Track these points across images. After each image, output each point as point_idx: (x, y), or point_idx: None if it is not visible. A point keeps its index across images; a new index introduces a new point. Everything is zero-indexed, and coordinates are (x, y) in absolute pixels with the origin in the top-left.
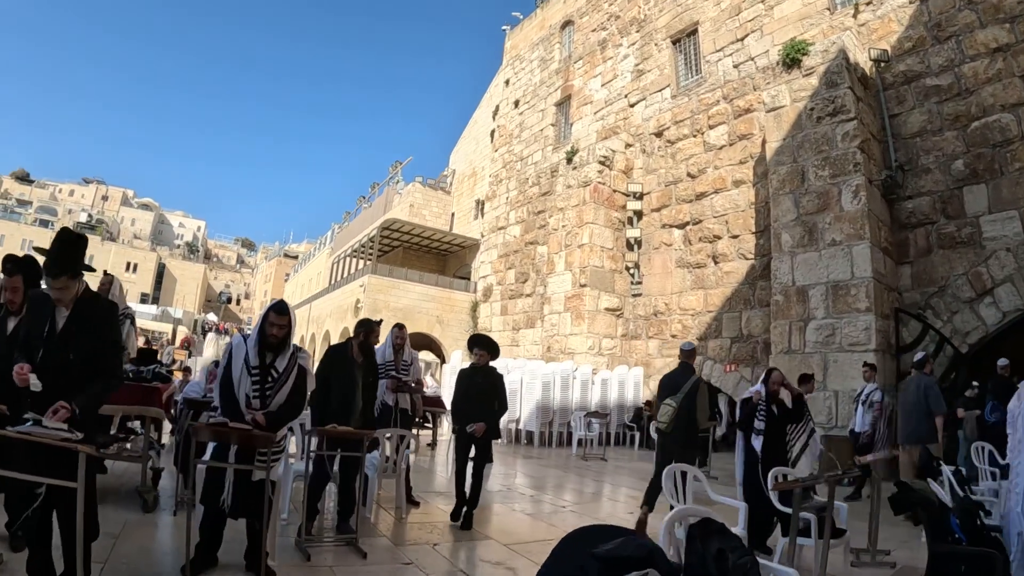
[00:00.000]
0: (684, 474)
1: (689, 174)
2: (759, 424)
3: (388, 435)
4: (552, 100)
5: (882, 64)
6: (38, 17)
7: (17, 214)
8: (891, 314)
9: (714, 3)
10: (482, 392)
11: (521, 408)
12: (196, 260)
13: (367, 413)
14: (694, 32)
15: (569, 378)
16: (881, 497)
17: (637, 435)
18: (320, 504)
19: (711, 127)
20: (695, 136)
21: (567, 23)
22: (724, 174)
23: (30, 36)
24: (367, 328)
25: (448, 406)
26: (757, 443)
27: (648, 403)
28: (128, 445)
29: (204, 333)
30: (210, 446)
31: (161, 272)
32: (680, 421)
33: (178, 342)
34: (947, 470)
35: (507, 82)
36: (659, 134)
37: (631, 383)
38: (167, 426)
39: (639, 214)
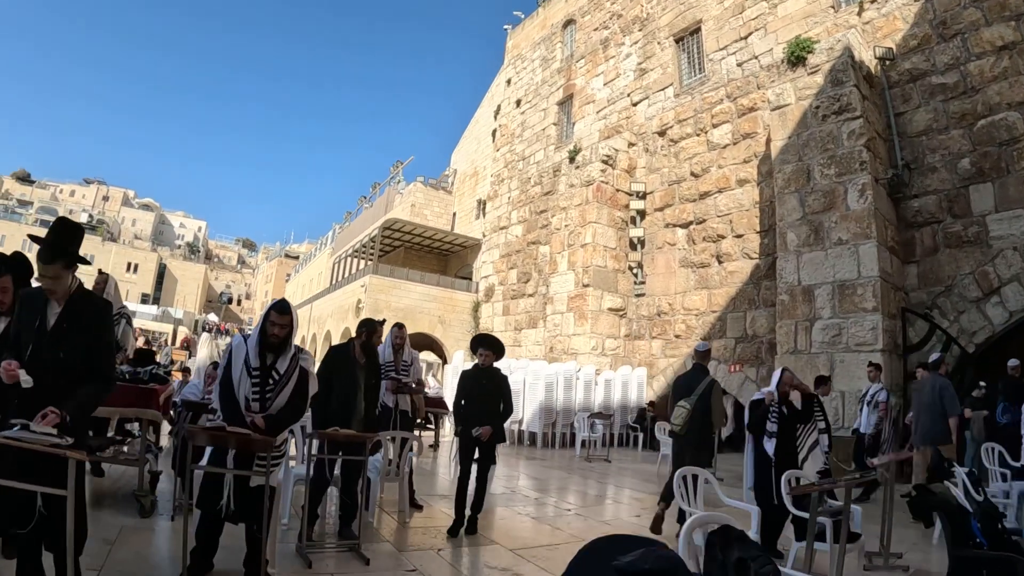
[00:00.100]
0: (695, 477)
1: (693, 173)
2: (771, 427)
3: (391, 437)
4: (554, 99)
5: (887, 62)
6: (39, 21)
7: (18, 214)
8: (898, 314)
9: (717, 1)
10: (487, 395)
11: (524, 409)
12: (197, 260)
13: (369, 415)
14: (697, 30)
15: (572, 379)
16: (894, 499)
17: (640, 436)
18: (321, 508)
19: (715, 126)
20: (698, 135)
21: (569, 22)
22: (728, 173)
23: (31, 39)
24: (370, 328)
25: (450, 407)
26: (769, 446)
27: (651, 403)
28: (125, 448)
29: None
30: (208, 450)
31: (162, 272)
32: (694, 423)
33: (178, 342)
34: (961, 472)
35: (509, 81)
36: (662, 133)
37: (634, 384)
38: (166, 428)
39: (642, 213)
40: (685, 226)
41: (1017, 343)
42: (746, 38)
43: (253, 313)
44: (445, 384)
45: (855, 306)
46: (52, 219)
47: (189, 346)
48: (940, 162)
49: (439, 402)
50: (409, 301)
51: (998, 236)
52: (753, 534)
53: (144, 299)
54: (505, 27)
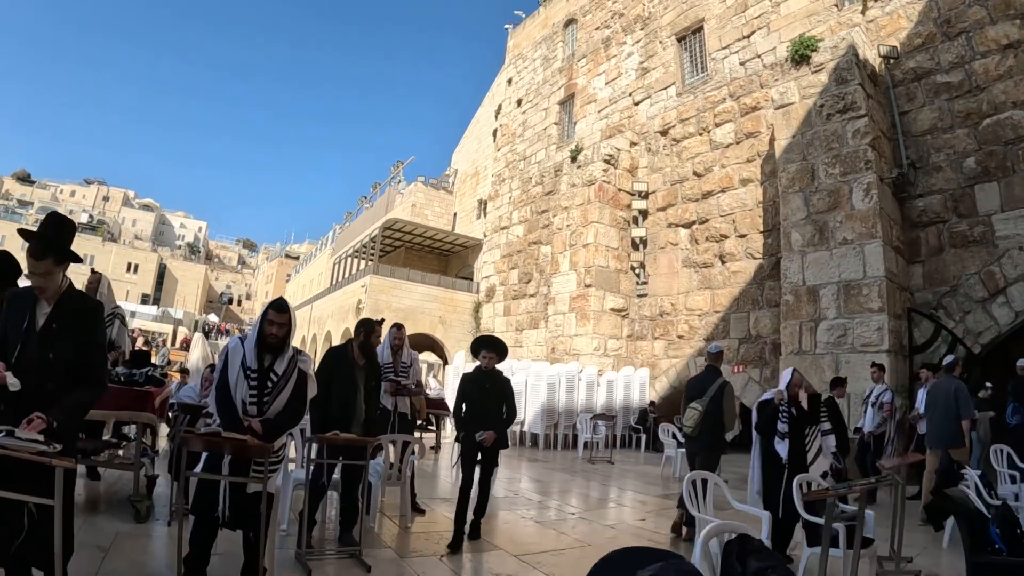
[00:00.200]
0: (704, 481)
1: (695, 173)
2: (782, 427)
3: (393, 441)
4: (555, 99)
5: (891, 61)
6: (40, 24)
7: (18, 215)
8: (904, 314)
9: (719, 0)
10: (491, 399)
11: (526, 410)
12: (197, 261)
13: (369, 418)
14: (699, 29)
15: (574, 379)
16: (905, 503)
17: (643, 437)
18: (321, 513)
19: (717, 125)
20: (701, 134)
21: (570, 21)
22: (731, 172)
23: (32, 43)
24: (367, 328)
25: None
26: (782, 447)
27: (652, 403)
28: (120, 452)
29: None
30: (203, 455)
31: (162, 273)
32: (706, 424)
33: (178, 343)
34: (973, 474)
35: (509, 81)
36: (664, 132)
37: (637, 384)
38: (164, 430)
39: (644, 213)
40: (688, 226)
41: (1023, 343)
42: (749, 37)
43: (253, 313)
44: (446, 385)
45: (861, 306)
46: None
47: (189, 346)
48: (945, 161)
49: (440, 403)
50: (410, 301)
51: (1004, 236)
52: (764, 540)
53: (144, 299)
54: (506, 26)
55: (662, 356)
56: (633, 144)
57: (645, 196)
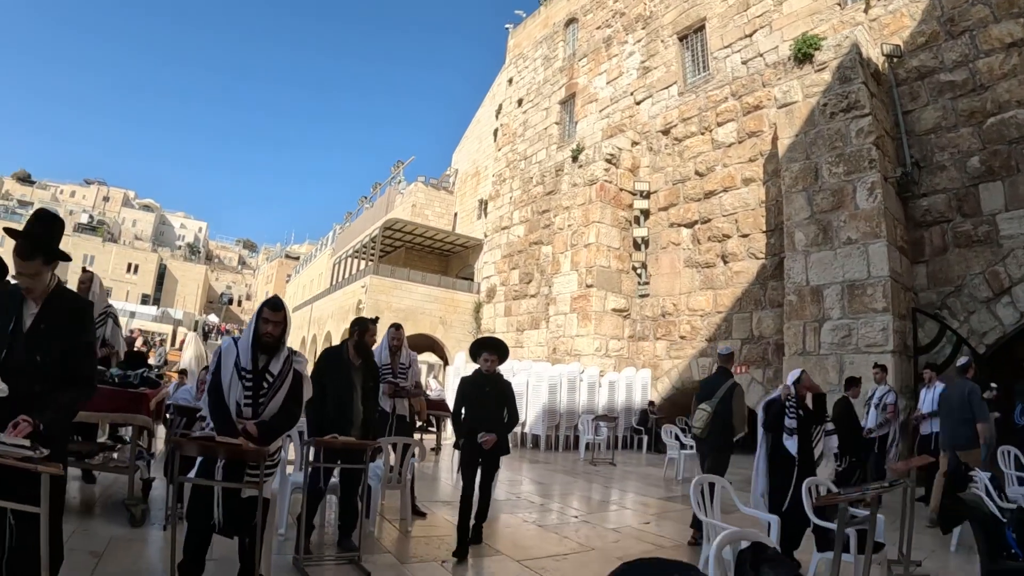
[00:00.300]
0: (712, 485)
1: (697, 172)
2: (790, 422)
3: (393, 444)
4: (556, 98)
5: (895, 59)
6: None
7: (18, 215)
8: (908, 314)
9: None
10: (491, 402)
11: (527, 411)
12: (197, 261)
13: (368, 420)
14: (701, 28)
15: (576, 380)
16: (914, 507)
17: (645, 438)
18: (320, 517)
19: (719, 124)
20: (703, 134)
21: (571, 20)
22: (733, 172)
23: (32, 45)
24: (361, 327)
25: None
26: (791, 443)
27: (652, 403)
28: (115, 455)
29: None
30: (198, 459)
31: (162, 273)
32: (715, 426)
33: (177, 343)
34: (983, 476)
35: (510, 81)
36: (666, 132)
37: (639, 385)
38: (161, 432)
39: (646, 213)
40: (690, 226)
41: None
42: (751, 36)
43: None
44: (447, 386)
45: (865, 307)
46: None
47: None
48: (949, 160)
49: (441, 404)
50: (410, 302)
51: (1008, 235)
52: (772, 545)
53: (144, 300)
54: (507, 26)
55: (664, 357)
56: (635, 143)
57: (647, 196)
